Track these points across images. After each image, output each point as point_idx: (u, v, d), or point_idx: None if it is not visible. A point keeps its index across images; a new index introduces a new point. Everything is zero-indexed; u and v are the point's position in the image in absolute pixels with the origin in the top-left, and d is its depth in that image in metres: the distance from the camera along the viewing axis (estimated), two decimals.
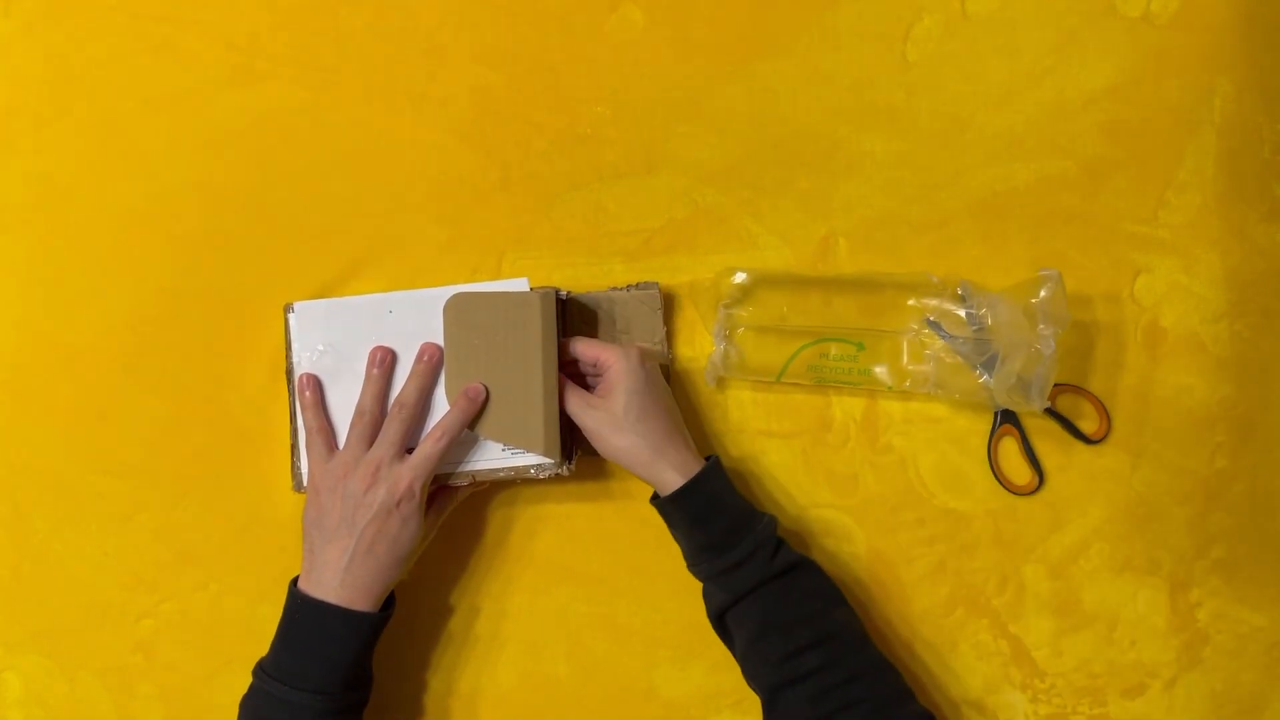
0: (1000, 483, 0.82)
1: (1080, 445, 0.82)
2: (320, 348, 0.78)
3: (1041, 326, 0.76)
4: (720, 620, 0.74)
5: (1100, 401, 0.82)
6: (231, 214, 0.84)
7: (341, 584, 0.71)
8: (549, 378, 0.75)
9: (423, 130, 0.84)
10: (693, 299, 0.82)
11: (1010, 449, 0.82)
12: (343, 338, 0.78)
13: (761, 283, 0.82)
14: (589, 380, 0.79)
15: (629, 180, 0.84)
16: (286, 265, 0.84)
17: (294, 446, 0.79)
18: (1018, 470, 0.82)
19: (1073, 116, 0.83)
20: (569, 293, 0.79)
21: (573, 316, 0.81)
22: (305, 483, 0.76)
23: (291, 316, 0.79)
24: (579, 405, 0.75)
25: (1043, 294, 0.77)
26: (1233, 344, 0.83)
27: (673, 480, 0.73)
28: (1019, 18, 0.84)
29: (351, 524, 0.72)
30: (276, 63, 0.85)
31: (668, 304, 0.83)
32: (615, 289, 0.81)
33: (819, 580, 0.74)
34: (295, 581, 0.73)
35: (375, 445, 0.74)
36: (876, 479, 0.82)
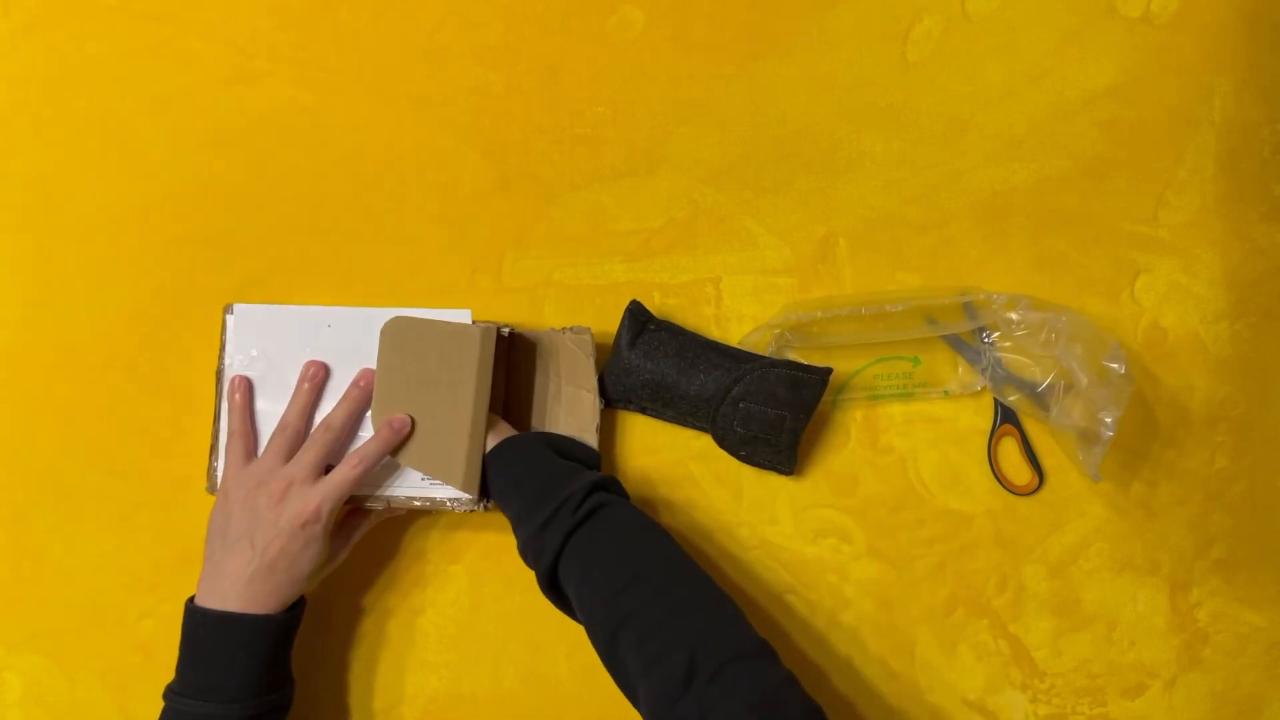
0: (1000, 483, 0.82)
1: None
2: (254, 353, 0.78)
3: (1103, 414, 0.75)
4: (552, 587, 0.69)
5: None
6: (232, 214, 0.84)
7: (241, 595, 0.70)
8: (479, 413, 0.73)
9: (423, 130, 0.84)
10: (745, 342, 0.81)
11: (1010, 449, 0.82)
12: (278, 346, 0.77)
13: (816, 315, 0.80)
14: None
15: (629, 180, 0.84)
16: (286, 265, 0.84)
17: (213, 447, 0.78)
18: (1018, 470, 0.82)
19: (1073, 116, 0.84)
20: (512, 329, 0.78)
21: (516, 352, 0.80)
22: (217, 483, 0.76)
23: (230, 318, 0.78)
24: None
25: (1113, 366, 0.76)
26: (1233, 344, 0.83)
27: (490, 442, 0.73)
28: (1019, 18, 0.84)
29: (254, 538, 0.71)
30: (276, 63, 0.85)
31: (535, 304, 0.82)
32: (553, 330, 0.81)
33: (629, 517, 0.69)
34: (191, 600, 0.71)
35: (292, 462, 0.73)
36: (876, 479, 0.82)
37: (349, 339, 0.77)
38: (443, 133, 0.84)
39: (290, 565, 0.71)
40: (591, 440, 0.79)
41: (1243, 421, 0.82)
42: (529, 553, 0.69)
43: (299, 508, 0.71)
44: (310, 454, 0.73)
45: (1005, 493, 0.82)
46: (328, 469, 0.74)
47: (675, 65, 0.84)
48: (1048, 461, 0.82)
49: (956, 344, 0.82)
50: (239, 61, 0.85)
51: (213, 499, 0.75)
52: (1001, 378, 0.81)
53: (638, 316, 0.80)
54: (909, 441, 0.82)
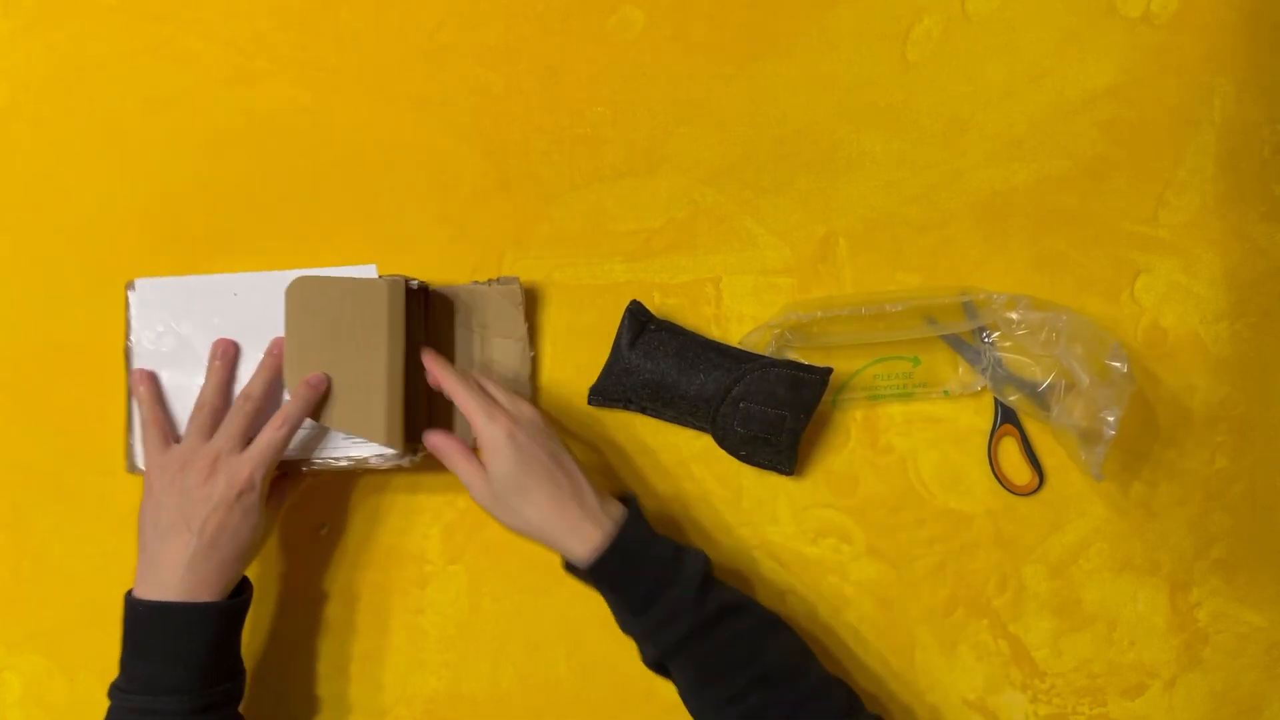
0: (1000, 483, 0.82)
1: None
2: (160, 328, 0.76)
3: (1105, 413, 0.75)
4: (659, 667, 0.72)
5: None
6: (231, 214, 0.84)
7: (182, 581, 0.68)
8: (394, 366, 0.73)
9: (423, 130, 0.84)
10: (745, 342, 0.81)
11: (1010, 449, 0.82)
12: (185, 318, 0.76)
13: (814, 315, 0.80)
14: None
15: (629, 180, 0.84)
16: (286, 265, 0.83)
17: (129, 426, 0.77)
18: (1018, 470, 0.82)
19: (1073, 116, 0.84)
20: (421, 283, 0.77)
21: (432, 309, 0.80)
22: (135, 463, 0.75)
23: (132, 294, 0.77)
24: (467, 476, 0.71)
25: (1115, 365, 0.76)
26: (1233, 344, 0.83)
27: (578, 551, 0.69)
28: (1019, 18, 0.84)
29: (189, 519, 0.69)
30: (276, 63, 0.85)
31: (530, 300, 0.82)
32: (476, 283, 0.81)
33: (749, 620, 0.71)
34: (129, 594, 0.70)
35: (215, 436, 0.71)
36: (876, 479, 0.82)
37: (257, 305, 0.76)
38: (443, 133, 0.84)
39: (233, 539, 0.69)
40: (525, 390, 0.79)
41: (1243, 421, 0.82)
42: (645, 646, 0.71)
43: (231, 478, 0.69)
44: (233, 425, 0.72)
45: (1005, 493, 0.82)
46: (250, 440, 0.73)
47: (675, 65, 0.84)
48: (1048, 461, 0.82)
49: (956, 344, 0.82)
50: (239, 61, 0.85)
51: (135, 479, 0.74)
52: (1002, 377, 0.81)
53: (638, 316, 0.80)
54: (909, 441, 0.82)
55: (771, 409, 0.77)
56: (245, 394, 0.73)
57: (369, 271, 0.76)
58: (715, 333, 0.83)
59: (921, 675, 0.81)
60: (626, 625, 0.72)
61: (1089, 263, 0.83)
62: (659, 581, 0.70)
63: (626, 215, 0.84)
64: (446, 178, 0.84)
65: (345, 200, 0.84)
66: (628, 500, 0.73)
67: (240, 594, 0.72)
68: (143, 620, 0.68)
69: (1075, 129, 0.83)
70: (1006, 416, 0.82)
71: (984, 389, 0.81)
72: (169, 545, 0.69)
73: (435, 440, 0.72)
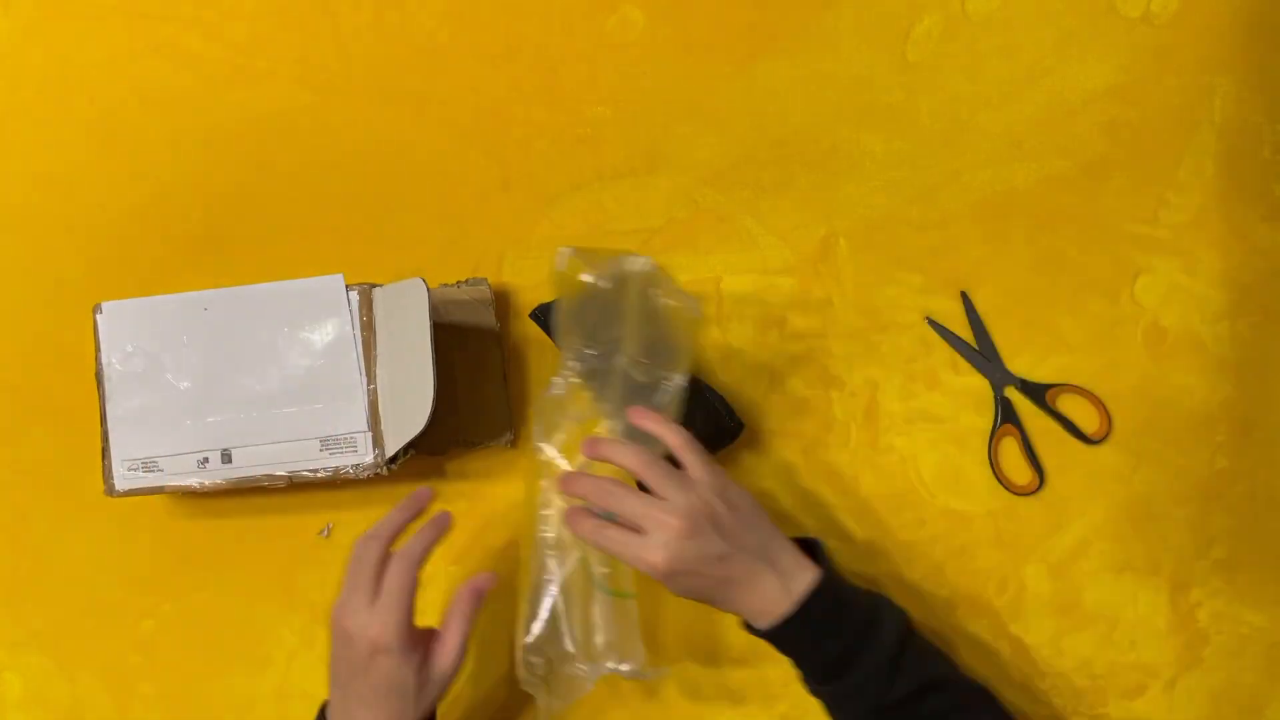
0: (1000, 483, 0.82)
1: (1080, 445, 0.82)
2: (129, 349, 0.77)
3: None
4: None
5: (1100, 401, 0.82)
6: (231, 214, 0.84)
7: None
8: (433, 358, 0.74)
9: (423, 130, 0.84)
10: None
11: (1010, 449, 0.82)
12: (153, 338, 0.76)
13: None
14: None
15: (629, 180, 0.84)
16: (287, 265, 0.84)
17: (104, 449, 0.77)
18: (1018, 470, 0.82)
19: (1073, 116, 0.84)
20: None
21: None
22: (114, 486, 0.76)
23: (99, 317, 0.77)
24: (635, 560, 0.64)
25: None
26: (1233, 344, 0.83)
27: (761, 623, 0.65)
28: (1019, 18, 0.84)
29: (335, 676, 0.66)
30: (276, 63, 0.85)
31: (501, 302, 0.82)
32: (445, 285, 0.81)
33: (949, 698, 0.68)
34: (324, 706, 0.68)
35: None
36: (876, 479, 0.82)
37: (227, 319, 0.76)
38: (443, 133, 0.84)
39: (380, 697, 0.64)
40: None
41: (1243, 421, 0.82)
42: (828, 708, 0.68)
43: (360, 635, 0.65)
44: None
45: (1005, 493, 0.82)
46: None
47: (675, 65, 0.84)
48: (1048, 461, 0.82)
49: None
50: (239, 61, 0.85)
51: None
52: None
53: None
54: (909, 441, 0.82)
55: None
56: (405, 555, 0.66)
57: (338, 282, 0.77)
58: (715, 333, 0.83)
59: None
60: (814, 691, 0.68)
61: (1089, 263, 0.83)
62: (847, 650, 0.65)
63: (626, 215, 0.84)
64: (446, 178, 0.84)
65: (345, 200, 0.84)
66: (817, 552, 0.68)
67: None
68: None
69: (1075, 129, 0.83)
70: (1007, 416, 0.82)
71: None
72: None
73: (584, 529, 0.67)
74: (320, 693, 0.69)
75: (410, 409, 0.73)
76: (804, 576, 0.66)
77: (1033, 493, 0.82)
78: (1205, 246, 0.83)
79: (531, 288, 0.83)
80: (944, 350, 0.83)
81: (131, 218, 0.84)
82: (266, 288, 0.76)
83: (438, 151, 0.84)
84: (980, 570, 0.82)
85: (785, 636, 0.65)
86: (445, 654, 0.66)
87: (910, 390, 0.83)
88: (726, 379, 0.83)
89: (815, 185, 0.84)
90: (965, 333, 0.83)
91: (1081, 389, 0.82)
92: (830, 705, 0.68)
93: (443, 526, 0.69)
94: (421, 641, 0.66)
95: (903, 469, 0.82)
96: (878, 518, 0.82)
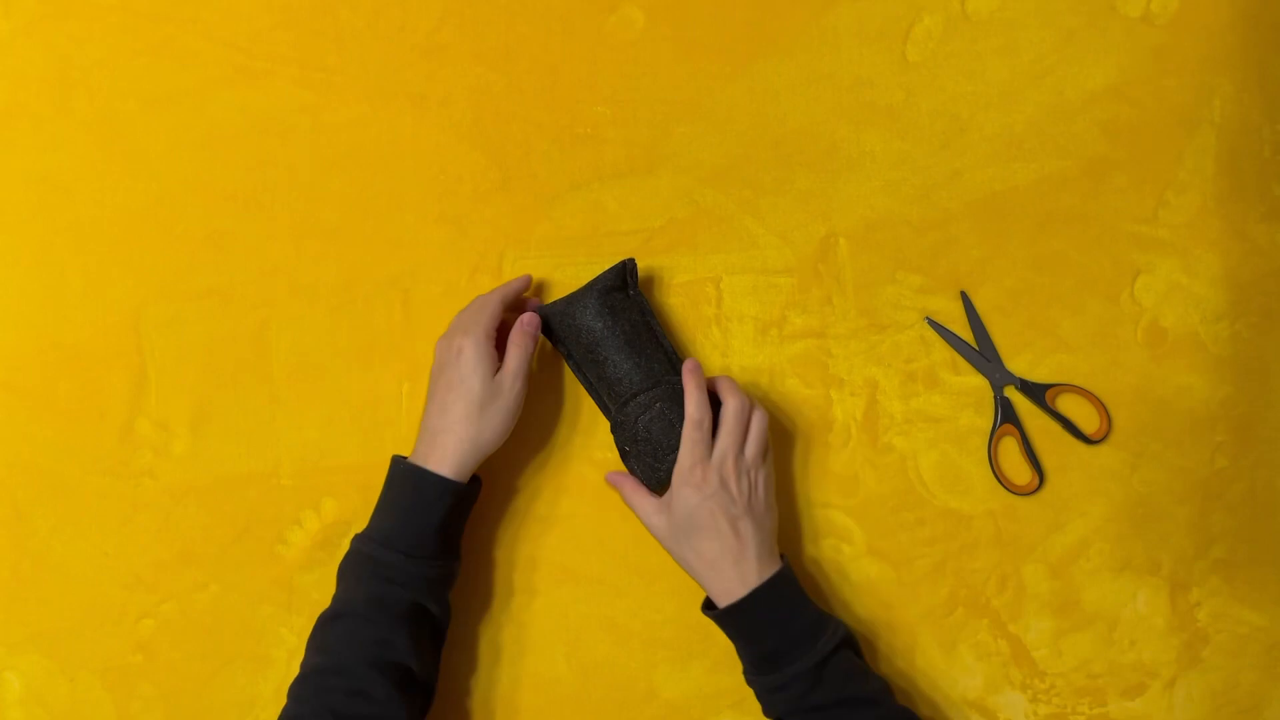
0: (1000, 483, 0.82)
1: (1080, 445, 0.82)
2: None
3: None
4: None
5: (1100, 401, 0.82)
6: (231, 214, 0.84)
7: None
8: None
9: (423, 130, 0.84)
10: None
11: (1010, 449, 0.82)
12: None
13: None
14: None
15: (629, 180, 0.84)
16: (286, 265, 0.84)
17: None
18: (1018, 470, 0.82)
19: (1073, 116, 0.84)
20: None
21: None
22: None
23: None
24: (644, 513, 0.76)
25: None
26: (1233, 344, 0.83)
27: (721, 601, 0.73)
28: (1019, 18, 0.84)
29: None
30: (276, 63, 0.85)
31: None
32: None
33: (868, 716, 0.71)
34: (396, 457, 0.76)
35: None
36: (876, 479, 0.82)
37: None
38: (443, 133, 0.84)
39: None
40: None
41: (1243, 421, 0.82)
42: (762, 701, 0.74)
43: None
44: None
45: (1005, 493, 0.82)
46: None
47: (675, 65, 0.84)
48: (1048, 461, 0.82)
49: (955, 341, 0.82)
50: (239, 61, 0.85)
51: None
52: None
53: (624, 274, 0.78)
54: (909, 441, 0.82)
55: (672, 433, 0.75)
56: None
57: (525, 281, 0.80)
58: (715, 332, 0.83)
59: (921, 675, 0.81)
60: (746, 675, 0.75)
61: (1089, 263, 0.83)
62: (781, 648, 0.71)
63: (626, 215, 0.84)
64: (446, 178, 0.84)
65: (345, 200, 0.84)
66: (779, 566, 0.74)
67: (474, 483, 0.76)
68: (393, 480, 0.75)
69: (1075, 129, 0.83)
70: (1006, 416, 0.82)
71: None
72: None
73: (614, 478, 0.79)
74: None
75: None
76: (765, 571, 0.72)
77: (1032, 492, 0.82)
78: (1205, 246, 0.83)
79: (531, 288, 0.83)
80: (944, 350, 0.83)
81: (130, 217, 0.84)
82: None
83: (437, 151, 0.84)
84: (980, 570, 0.82)
85: (730, 619, 0.72)
86: (507, 372, 0.75)
87: (910, 390, 0.83)
88: None
89: (815, 185, 0.84)
90: (965, 333, 0.83)
91: (1081, 389, 0.82)
92: (760, 697, 0.73)
93: (526, 286, 0.80)
94: (495, 363, 0.75)
95: (903, 469, 0.82)
96: (878, 518, 0.82)
